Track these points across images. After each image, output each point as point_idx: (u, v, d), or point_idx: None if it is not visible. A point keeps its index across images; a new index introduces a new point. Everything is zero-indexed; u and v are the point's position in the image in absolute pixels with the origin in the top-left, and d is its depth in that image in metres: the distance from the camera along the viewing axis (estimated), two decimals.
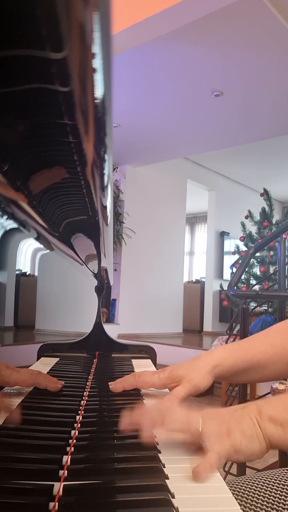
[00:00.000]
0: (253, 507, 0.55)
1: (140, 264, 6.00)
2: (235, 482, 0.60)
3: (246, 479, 0.60)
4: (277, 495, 0.56)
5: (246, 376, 0.66)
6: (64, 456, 0.40)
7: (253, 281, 4.89)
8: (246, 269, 4.50)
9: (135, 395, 0.64)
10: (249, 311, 1.67)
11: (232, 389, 1.97)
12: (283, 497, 0.56)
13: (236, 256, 5.03)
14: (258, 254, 4.71)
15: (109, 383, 0.67)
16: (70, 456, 0.40)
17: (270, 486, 0.58)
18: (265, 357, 0.64)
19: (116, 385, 0.65)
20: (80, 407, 0.57)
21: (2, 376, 0.64)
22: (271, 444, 0.45)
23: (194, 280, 8.27)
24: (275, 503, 0.55)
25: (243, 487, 0.58)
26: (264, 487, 0.58)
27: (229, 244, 7.27)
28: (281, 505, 0.55)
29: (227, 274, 7.22)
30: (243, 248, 5.14)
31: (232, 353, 0.64)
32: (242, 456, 0.44)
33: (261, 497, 0.56)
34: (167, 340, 5.45)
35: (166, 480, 0.36)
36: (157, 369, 0.68)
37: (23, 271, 4.94)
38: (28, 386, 0.66)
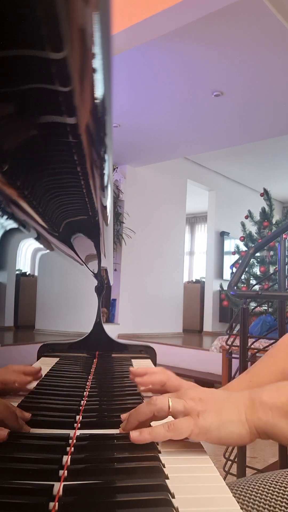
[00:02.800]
0: (253, 509, 0.55)
1: (140, 264, 6.00)
2: (235, 484, 0.60)
3: (247, 481, 0.60)
4: (278, 497, 0.56)
5: None
6: (64, 456, 0.40)
7: (253, 281, 4.89)
8: (246, 269, 4.50)
9: (135, 395, 0.64)
10: (249, 311, 1.67)
11: None
12: (283, 499, 0.56)
13: (236, 256, 5.03)
14: (258, 254, 4.71)
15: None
16: (70, 456, 0.40)
17: (271, 488, 0.58)
18: None
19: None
20: (80, 407, 0.57)
21: None
22: (260, 430, 0.45)
23: (194, 280, 8.27)
24: (276, 505, 0.55)
25: (244, 489, 0.58)
26: (266, 489, 0.58)
27: (229, 244, 7.27)
28: (281, 507, 0.55)
29: (227, 274, 7.22)
30: (243, 248, 5.13)
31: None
32: (213, 438, 0.45)
33: (261, 499, 0.56)
34: (167, 340, 5.45)
35: (166, 480, 0.36)
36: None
37: (23, 271, 4.94)
38: None
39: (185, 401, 0.46)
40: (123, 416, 0.50)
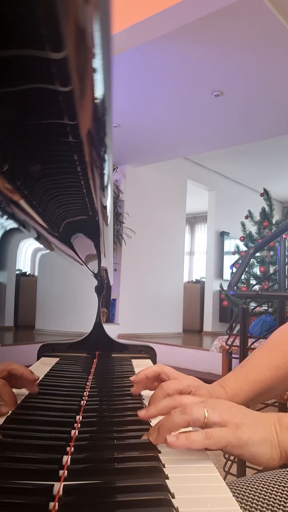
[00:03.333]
0: (253, 509, 0.55)
1: (140, 264, 6.00)
2: (235, 484, 0.60)
3: (246, 481, 0.60)
4: (278, 497, 0.56)
5: (255, 402, 0.67)
6: (64, 456, 0.40)
7: (253, 281, 4.89)
8: (246, 269, 4.50)
9: (135, 396, 0.64)
10: (249, 311, 1.67)
11: None
12: (283, 498, 0.56)
13: (236, 256, 5.03)
14: (258, 254, 4.70)
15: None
16: (70, 456, 0.40)
17: (270, 487, 0.58)
18: (272, 382, 0.66)
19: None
20: (80, 407, 0.57)
21: None
22: None
23: (194, 280, 8.27)
24: (275, 504, 0.55)
25: (243, 489, 0.58)
26: (265, 489, 0.58)
27: (229, 244, 7.27)
28: (281, 506, 0.55)
29: (227, 274, 7.22)
30: (243, 248, 5.13)
31: (243, 386, 0.64)
32: (247, 454, 0.44)
33: (261, 499, 0.56)
34: (167, 340, 5.45)
35: (166, 480, 0.36)
36: None
37: (23, 271, 4.94)
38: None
39: (222, 412, 0.45)
40: (143, 414, 0.49)
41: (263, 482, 0.59)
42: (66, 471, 0.37)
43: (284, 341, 0.69)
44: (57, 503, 0.32)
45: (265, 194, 5.03)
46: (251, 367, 0.68)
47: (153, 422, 0.53)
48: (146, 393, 0.66)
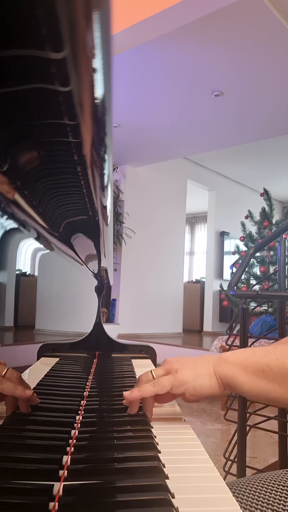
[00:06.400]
0: (253, 509, 0.55)
1: (140, 264, 6.00)
2: (235, 484, 0.60)
3: (246, 481, 0.60)
4: (277, 497, 0.56)
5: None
6: (64, 456, 0.40)
7: (253, 281, 4.89)
8: (246, 269, 4.50)
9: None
10: (249, 311, 1.66)
11: None
12: (283, 498, 0.56)
13: (236, 256, 5.03)
14: (258, 254, 4.70)
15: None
16: (70, 456, 0.40)
17: (270, 487, 0.58)
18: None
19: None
20: (80, 407, 0.57)
21: None
22: (224, 381, 0.54)
23: (194, 280, 8.27)
24: (275, 505, 0.55)
25: (243, 489, 0.58)
26: (264, 489, 0.58)
27: (229, 244, 7.27)
28: (281, 507, 0.55)
29: (227, 274, 7.22)
30: (243, 248, 5.13)
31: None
32: (190, 388, 0.54)
33: (261, 499, 0.56)
34: (167, 340, 5.45)
35: (166, 480, 0.36)
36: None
37: (23, 271, 4.94)
38: None
39: (165, 366, 0.57)
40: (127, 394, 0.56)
41: (262, 482, 0.59)
42: (66, 471, 0.37)
43: None
44: (57, 503, 0.32)
45: (265, 194, 5.03)
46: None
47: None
48: None
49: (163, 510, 0.32)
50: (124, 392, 0.54)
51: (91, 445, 0.44)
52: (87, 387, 0.70)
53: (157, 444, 0.45)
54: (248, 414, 1.59)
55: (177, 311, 6.67)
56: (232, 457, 1.63)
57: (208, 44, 3.18)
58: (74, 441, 0.44)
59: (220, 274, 7.26)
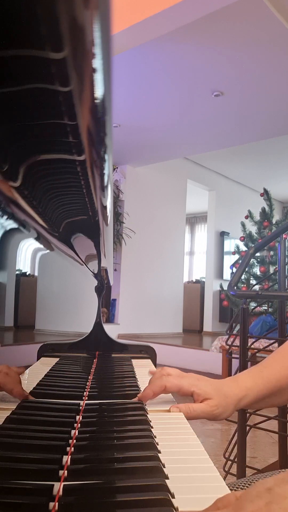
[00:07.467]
0: None
1: (140, 264, 6.00)
2: (235, 484, 0.60)
3: (247, 481, 0.60)
4: None
5: (266, 403, 0.66)
6: (64, 456, 0.40)
7: (253, 281, 4.89)
8: (246, 269, 4.50)
9: (135, 396, 0.64)
10: (249, 311, 1.66)
11: None
12: None
13: (236, 256, 5.03)
14: (258, 254, 4.70)
15: (138, 396, 0.62)
16: (70, 456, 0.40)
17: None
18: (286, 381, 0.65)
19: (146, 392, 0.60)
20: (80, 407, 0.57)
21: None
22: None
23: (194, 280, 8.27)
24: None
25: (243, 489, 0.58)
26: None
27: (229, 244, 7.27)
28: None
29: (227, 274, 7.22)
30: (243, 248, 5.13)
31: (257, 381, 0.64)
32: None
33: None
34: (167, 340, 5.45)
35: (166, 480, 0.36)
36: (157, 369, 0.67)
37: (23, 271, 4.94)
38: None
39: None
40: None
41: None
42: (66, 471, 0.37)
43: None
44: (57, 503, 0.32)
45: (265, 194, 5.03)
46: (266, 365, 0.67)
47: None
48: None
49: (163, 510, 0.32)
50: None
51: (91, 445, 0.44)
52: (87, 387, 0.70)
53: (157, 444, 0.45)
54: (248, 414, 1.59)
55: (177, 311, 6.67)
56: (232, 457, 1.63)
57: (208, 44, 3.18)
58: (74, 441, 0.44)
59: (220, 274, 7.26)
